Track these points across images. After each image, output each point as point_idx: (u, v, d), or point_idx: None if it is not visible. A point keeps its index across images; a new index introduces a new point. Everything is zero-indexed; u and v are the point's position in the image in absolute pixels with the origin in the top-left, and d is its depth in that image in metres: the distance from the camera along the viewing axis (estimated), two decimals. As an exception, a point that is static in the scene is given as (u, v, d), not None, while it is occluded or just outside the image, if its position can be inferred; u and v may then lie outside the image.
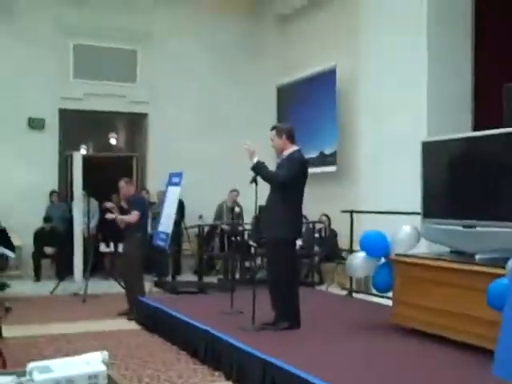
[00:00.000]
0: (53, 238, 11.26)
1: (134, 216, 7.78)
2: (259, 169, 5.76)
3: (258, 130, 9.91)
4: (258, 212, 6.18)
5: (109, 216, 8.08)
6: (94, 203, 11.26)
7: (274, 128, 5.98)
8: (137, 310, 7.61)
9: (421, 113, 8.12)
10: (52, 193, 11.80)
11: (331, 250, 10.50)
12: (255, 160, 5.76)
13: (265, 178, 5.79)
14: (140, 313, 7.51)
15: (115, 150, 13.65)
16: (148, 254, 8.44)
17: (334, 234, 10.71)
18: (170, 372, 5.37)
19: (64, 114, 12.09)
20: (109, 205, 8.16)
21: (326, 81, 11.28)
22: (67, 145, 12.13)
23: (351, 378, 4.28)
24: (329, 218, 10.76)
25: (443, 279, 5.28)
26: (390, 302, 6.19)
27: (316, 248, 10.58)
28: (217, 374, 5.32)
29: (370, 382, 4.26)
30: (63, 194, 12.16)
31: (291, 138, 5.89)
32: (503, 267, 4.40)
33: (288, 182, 5.70)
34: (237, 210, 11.40)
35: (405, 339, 5.47)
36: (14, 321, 6.44)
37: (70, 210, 11.11)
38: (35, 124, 11.80)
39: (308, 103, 11.85)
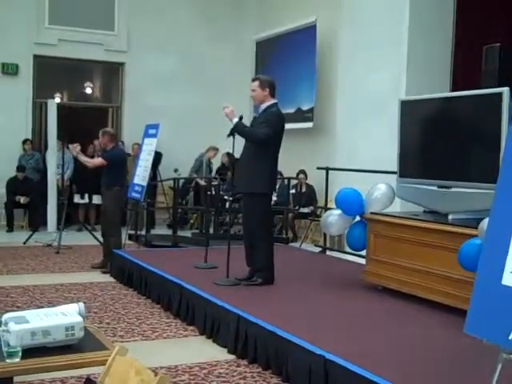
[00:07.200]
0: (26, 188, 11.10)
1: (96, 161, 7.74)
2: (240, 129, 5.73)
3: (236, 84, 9.79)
4: (233, 166, 6.14)
5: (72, 150, 8.01)
6: (69, 153, 11.10)
7: (256, 79, 5.92)
8: (111, 263, 7.60)
9: (400, 72, 8.07)
10: (25, 141, 11.55)
11: (309, 206, 10.58)
12: (235, 121, 5.72)
13: (246, 137, 5.76)
14: (114, 266, 7.49)
15: (91, 100, 13.42)
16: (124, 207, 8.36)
17: (312, 191, 10.74)
18: (144, 326, 5.40)
19: (38, 61, 11.83)
20: (72, 146, 8.06)
21: (305, 36, 11.14)
22: (41, 92, 11.88)
23: (320, 333, 4.33)
24: (306, 175, 10.77)
25: (416, 238, 5.33)
26: (363, 261, 6.25)
27: (291, 205, 10.60)
28: (190, 328, 5.35)
29: (337, 337, 4.30)
30: (37, 143, 11.97)
31: (272, 91, 5.84)
32: (475, 228, 4.45)
33: (270, 140, 5.67)
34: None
35: (376, 297, 5.54)
36: (-14, 271, 6.41)
37: (44, 160, 10.97)
38: (9, 69, 11.55)
39: (287, 59, 11.72)
